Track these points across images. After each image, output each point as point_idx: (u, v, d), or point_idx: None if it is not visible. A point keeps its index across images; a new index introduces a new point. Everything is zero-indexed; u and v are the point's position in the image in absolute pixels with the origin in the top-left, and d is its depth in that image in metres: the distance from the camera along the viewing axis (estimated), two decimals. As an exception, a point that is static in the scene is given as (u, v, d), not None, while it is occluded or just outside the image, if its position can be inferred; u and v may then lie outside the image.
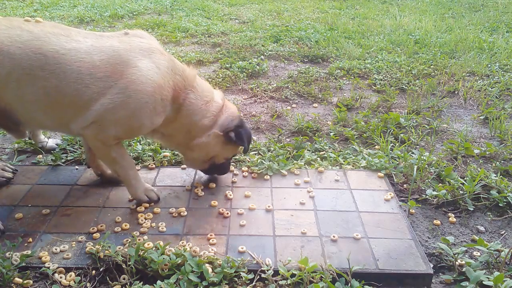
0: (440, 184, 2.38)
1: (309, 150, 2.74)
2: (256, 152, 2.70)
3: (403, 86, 3.94)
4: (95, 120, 1.88)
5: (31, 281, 1.67)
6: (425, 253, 1.87)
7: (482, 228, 2.10)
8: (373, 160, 2.54)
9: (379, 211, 2.12)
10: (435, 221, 2.13)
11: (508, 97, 3.76)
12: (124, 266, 1.68)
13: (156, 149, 2.60)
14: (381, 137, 2.89)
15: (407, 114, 3.35)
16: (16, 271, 1.68)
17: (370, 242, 1.89)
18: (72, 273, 1.69)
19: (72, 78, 1.83)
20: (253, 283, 1.66)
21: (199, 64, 4.55)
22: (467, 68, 4.39)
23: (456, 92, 3.86)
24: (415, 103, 3.51)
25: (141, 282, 1.64)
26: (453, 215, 2.17)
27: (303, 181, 2.36)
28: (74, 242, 1.86)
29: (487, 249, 1.82)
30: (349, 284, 1.65)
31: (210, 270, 1.66)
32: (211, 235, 1.91)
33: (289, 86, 3.88)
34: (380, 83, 4.00)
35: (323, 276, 1.66)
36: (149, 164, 2.49)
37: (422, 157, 2.57)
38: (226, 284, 1.65)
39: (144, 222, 1.99)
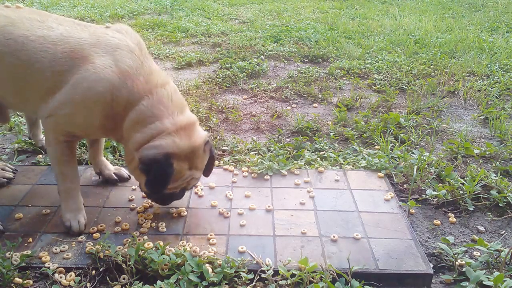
0: (440, 184, 2.38)
1: (309, 150, 2.74)
2: (256, 152, 2.70)
3: (403, 86, 3.94)
4: (50, 113, 1.83)
5: (31, 281, 1.67)
6: (425, 253, 1.87)
7: (482, 228, 2.10)
8: (373, 160, 2.54)
9: (379, 211, 2.12)
10: (435, 221, 2.13)
11: (508, 97, 3.76)
12: (124, 266, 1.68)
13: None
14: (381, 137, 2.89)
15: (407, 114, 3.35)
16: (16, 271, 1.68)
17: (370, 242, 1.89)
18: (72, 273, 1.69)
19: (35, 68, 1.80)
20: (253, 283, 1.66)
21: (199, 64, 4.56)
22: (467, 68, 4.38)
23: (456, 92, 3.86)
24: (415, 103, 3.51)
25: (141, 282, 1.64)
26: (453, 215, 2.17)
27: (303, 181, 2.36)
28: (74, 242, 1.86)
29: (487, 249, 1.82)
30: (349, 284, 1.65)
31: (210, 270, 1.66)
32: (211, 235, 1.91)
33: (289, 86, 3.88)
34: (380, 83, 4.00)
35: (323, 276, 1.66)
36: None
37: (422, 157, 2.57)
38: (226, 284, 1.65)
39: (144, 222, 1.99)
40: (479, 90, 3.83)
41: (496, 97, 3.71)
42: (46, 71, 1.79)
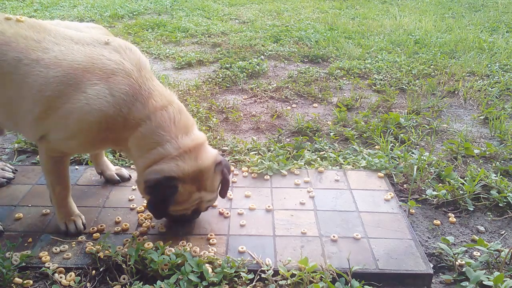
0: (440, 184, 2.38)
1: (309, 150, 2.74)
2: (256, 152, 2.70)
3: (403, 86, 3.94)
4: (42, 136, 1.80)
5: (31, 281, 1.67)
6: (425, 253, 1.87)
7: (482, 228, 2.10)
8: (373, 160, 2.54)
9: (379, 211, 2.12)
10: (435, 221, 2.13)
11: (508, 97, 3.76)
12: (124, 266, 1.68)
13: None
14: (381, 137, 2.89)
15: (407, 114, 3.35)
16: (16, 271, 1.68)
17: (370, 242, 1.89)
18: (72, 273, 1.69)
19: (26, 92, 1.72)
20: (253, 283, 1.66)
21: (199, 64, 4.56)
22: (467, 68, 4.38)
23: (456, 92, 3.86)
24: (415, 103, 3.51)
25: (141, 282, 1.63)
26: (453, 215, 2.17)
27: (303, 181, 2.36)
28: (74, 242, 1.86)
29: (487, 249, 1.82)
30: (349, 284, 1.65)
31: (210, 270, 1.66)
32: (211, 235, 1.91)
33: (289, 86, 3.88)
34: (380, 83, 4.00)
35: (323, 276, 1.66)
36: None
37: (422, 157, 2.57)
38: (226, 284, 1.65)
39: (144, 222, 1.99)
40: (479, 90, 3.83)
41: (496, 97, 3.71)
42: (37, 96, 1.71)
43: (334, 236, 1.91)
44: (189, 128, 1.84)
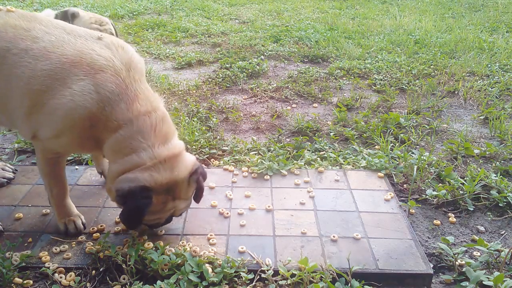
0: (440, 184, 2.38)
1: (309, 150, 2.74)
2: (256, 152, 2.70)
3: (403, 86, 3.94)
4: (34, 135, 1.76)
5: (31, 281, 1.67)
6: (425, 253, 1.87)
7: (482, 228, 2.10)
8: (373, 160, 2.54)
9: (379, 211, 2.12)
10: (435, 221, 2.13)
11: (508, 97, 3.76)
12: (124, 266, 1.68)
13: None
14: (381, 137, 2.89)
15: (407, 114, 3.35)
16: (16, 271, 1.68)
17: (370, 242, 1.89)
18: (72, 273, 1.69)
19: (14, 84, 1.68)
20: (253, 283, 1.66)
21: (199, 64, 4.56)
22: (467, 68, 4.39)
23: (456, 92, 3.86)
24: (415, 103, 3.51)
25: (141, 282, 1.64)
26: (453, 215, 2.17)
27: (303, 181, 2.36)
28: (74, 242, 1.86)
29: (487, 249, 1.82)
30: (349, 284, 1.65)
31: (210, 270, 1.66)
32: (211, 235, 1.91)
33: (289, 86, 3.88)
34: (380, 83, 4.00)
35: (323, 276, 1.66)
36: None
37: (422, 157, 2.57)
38: (226, 284, 1.65)
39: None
40: (479, 90, 3.83)
41: (496, 97, 3.71)
42: (25, 89, 1.66)
43: (334, 236, 1.91)
44: (169, 137, 1.77)
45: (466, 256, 1.90)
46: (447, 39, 5.40)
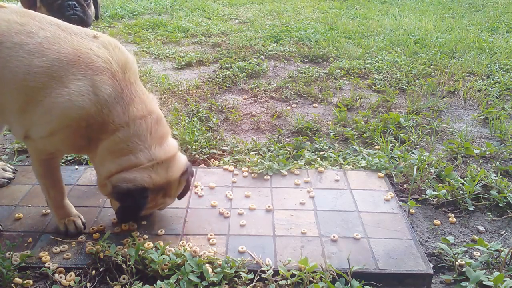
0: (440, 184, 2.38)
1: (309, 150, 2.74)
2: (256, 152, 2.70)
3: (403, 86, 3.94)
4: (27, 135, 1.74)
5: (31, 281, 1.67)
6: (425, 253, 1.87)
7: (482, 228, 2.10)
8: (373, 160, 2.54)
9: (379, 211, 2.12)
10: (435, 221, 2.13)
11: (508, 97, 3.76)
12: (124, 266, 1.68)
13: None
14: (381, 137, 2.89)
15: (407, 114, 3.35)
16: (16, 271, 1.68)
17: (370, 242, 1.89)
18: (72, 273, 1.69)
19: (7, 78, 1.65)
20: (253, 283, 1.66)
21: (199, 64, 4.56)
22: (467, 68, 4.38)
23: (456, 92, 3.86)
24: (415, 103, 3.51)
25: (141, 282, 1.64)
26: (453, 215, 2.17)
27: (303, 181, 2.36)
28: (74, 242, 1.86)
29: (487, 249, 1.82)
30: (349, 284, 1.65)
31: (210, 270, 1.66)
32: (211, 235, 1.91)
33: (289, 86, 3.88)
34: (380, 83, 4.00)
35: (323, 276, 1.66)
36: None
37: (422, 157, 2.57)
38: (226, 284, 1.65)
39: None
40: (479, 90, 3.83)
41: (496, 97, 3.71)
42: (19, 84, 1.64)
43: (334, 236, 1.91)
44: (164, 138, 1.82)
45: (466, 256, 1.90)
46: (447, 39, 5.40)
